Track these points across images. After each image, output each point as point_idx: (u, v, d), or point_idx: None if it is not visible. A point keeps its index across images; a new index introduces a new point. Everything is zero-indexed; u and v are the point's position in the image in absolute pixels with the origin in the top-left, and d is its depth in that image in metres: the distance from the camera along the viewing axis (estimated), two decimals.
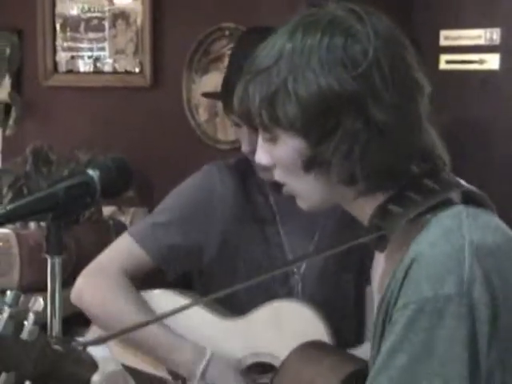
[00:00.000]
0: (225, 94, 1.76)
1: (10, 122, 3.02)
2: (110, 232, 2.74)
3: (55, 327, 1.25)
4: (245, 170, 1.84)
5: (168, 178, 2.83)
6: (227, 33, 2.98)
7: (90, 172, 1.26)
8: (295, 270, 1.82)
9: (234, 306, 1.72)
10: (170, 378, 1.68)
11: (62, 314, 1.25)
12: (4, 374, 1.03)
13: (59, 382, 1.12)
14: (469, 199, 1.13)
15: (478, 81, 2.84)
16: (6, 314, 1.04)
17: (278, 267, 1.69)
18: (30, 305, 1.07)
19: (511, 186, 2.73)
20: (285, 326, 1.67)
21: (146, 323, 1.46)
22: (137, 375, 1.47)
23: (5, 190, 2.62)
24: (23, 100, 3.15)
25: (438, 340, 1.01)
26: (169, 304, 1.65)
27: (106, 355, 1.17)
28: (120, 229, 2.74)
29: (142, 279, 1.77)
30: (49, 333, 1.25)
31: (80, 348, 1.13)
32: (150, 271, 1.77)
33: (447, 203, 1.11)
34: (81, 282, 1.74)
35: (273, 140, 1.14)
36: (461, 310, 1.02)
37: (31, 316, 1.05)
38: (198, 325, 1.69)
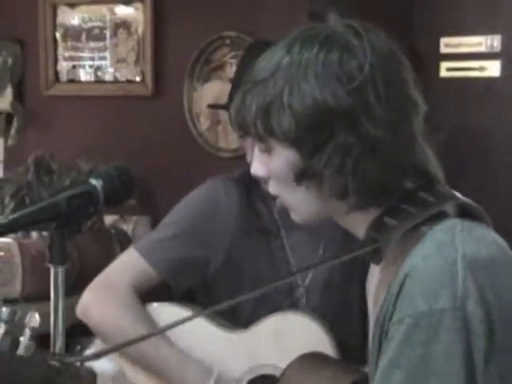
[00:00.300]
0: (230, 105, 1.78)
1: (12, 131, 3.04)
2: (112, 241, 2.76)
3: (58, 337, 1.25)
4: (249, 182, 1.83)
5: (170, 186, 2.94)
6: (228, 41, 2.98)
7: (93, 181, 1.26)
8: (300, 282, 1.81)
9: (239, 319, 1.73)
10: None
11: (65, 323, 1.25)
12: None
13: None
14: (464, 212, 1.14)
15: (479, 88, 2.85)
16: (1, 330, 1.04)
17: (281, 278, 1.68)
18: (26, 321, 1.07)
19: (511, 192, 2.75)
20: (289, 337, 1.67)
21: (148, 336, 1.48)
22: None
23: (7, 200, 2.63)
24: (25, 110, 3.18)
25: (435, 355, 1.02)
26: (172, 317, 1.64)
27: (109, 368, 1.16)
28: (122, 237, 2.83)
29: (148, 293, 1.78)
30: (52, 342, 1.25)
31: (77, 363, 1.12)
32: (157, 286, 1.78)
33: (442, 216, 1.12)
34: (88, 297, 1.74)
35: (267, 151, 1.15)
36: (455, 324, 1.02)
37: (27, 332, 1.06)
38: (202, 338, 1.70)
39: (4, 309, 1.06)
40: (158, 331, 1.62)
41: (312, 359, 1.63)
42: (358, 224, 1.17)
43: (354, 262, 1.68)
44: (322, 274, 1.81)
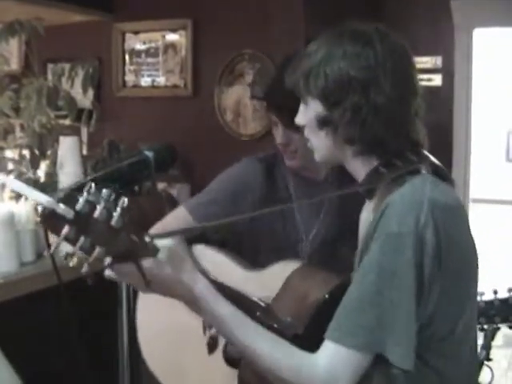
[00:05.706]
0: (268, 97, 1.85)
1: (92, 122, 3.02)
2: (162, 201, 2.89)
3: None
4: (272, 162, 1.86)
5: (204, 162, 3.16)
6: (246, 57, 3.14)
7: (147, 152, 1.31)
8: (304, 237, 1.84)
9: (258, 263, 1.75)
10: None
11: None
12: (98, 247, 1.04)
13: (133, 261, 1.11)
14: (435, 172, 1.19)
15: (427, 94, 3.17)
16: (102, 204, 1.03)
17: (289, 229, 1.79)
18: (119, 202, 1.06)
19: None
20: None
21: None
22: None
23: (89, 170, 2.75)
24: (101, 106, 3.23)
25: (399, 264, 1.07)
26: (209, 255, 1.72)
27: (169, 243, 1.18)
28: (169, 199, 3.00)
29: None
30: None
31: (149, 239, 1.13)
32: (198, 234, 1.79)
33: (419, 171, 1.17)
34: None
35: (305, 104, 1.23)
36: (415, 244, 1.07)
37: (119, 210, 1.05)
38: (230, 273, 1.70)
39: (104, 190, 1.04)
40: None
41: (308, 268, 1.64)
42: (360, 169, 1.22)
43: (345, 224, 1.76)
44: (321, 230, 1.82)
